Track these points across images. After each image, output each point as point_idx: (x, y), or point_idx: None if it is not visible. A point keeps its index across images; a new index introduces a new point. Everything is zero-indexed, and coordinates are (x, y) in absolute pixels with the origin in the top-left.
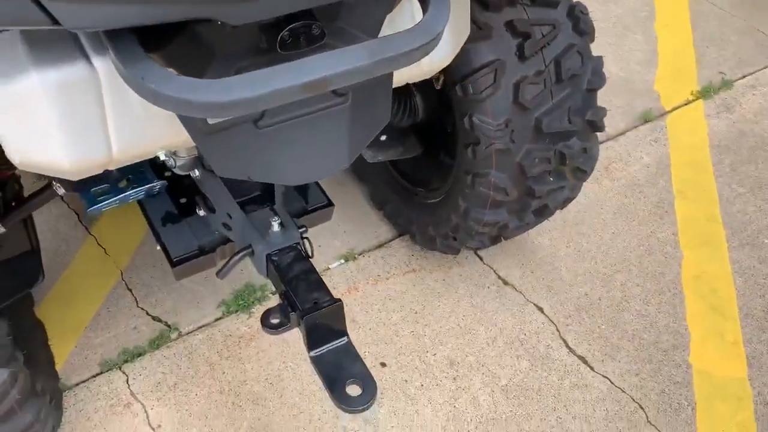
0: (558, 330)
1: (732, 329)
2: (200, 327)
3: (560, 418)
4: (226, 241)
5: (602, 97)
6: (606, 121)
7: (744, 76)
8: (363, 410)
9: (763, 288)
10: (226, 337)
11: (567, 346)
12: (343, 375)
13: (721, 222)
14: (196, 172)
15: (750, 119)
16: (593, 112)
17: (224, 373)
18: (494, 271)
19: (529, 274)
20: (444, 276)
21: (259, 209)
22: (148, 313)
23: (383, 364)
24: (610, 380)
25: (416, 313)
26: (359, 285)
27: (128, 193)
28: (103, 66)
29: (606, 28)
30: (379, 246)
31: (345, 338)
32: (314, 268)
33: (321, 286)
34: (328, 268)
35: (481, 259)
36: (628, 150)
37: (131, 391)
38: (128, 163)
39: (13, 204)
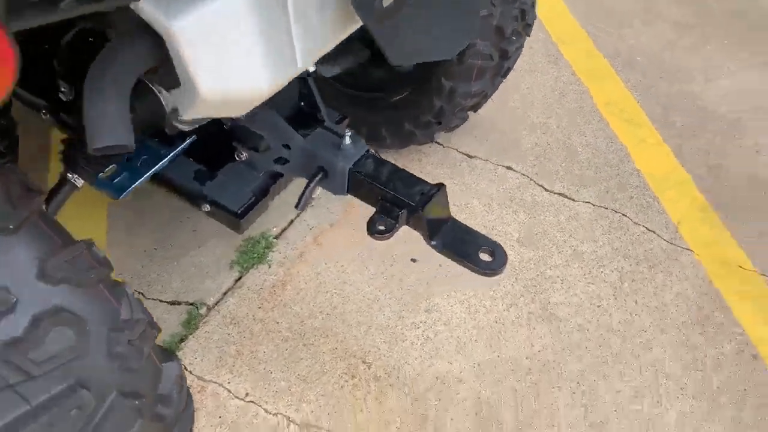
0: (532, 180)
1: (650, 134)
2: (225, 293)
3: (572, 246)
4: (275, 178)
5: None
6: None
7: None
8: (503, 270)
9: (656, 95)
10: (258, 292)
11: (545, 189)
12: (470, 248)
13: (601, 54)
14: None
15: None
16: None
17: (277, 323)
18: (457, 150)
19: (485, 143)
20: (419, 168)
21: (311, 132)
22: (161, 301)
23: (413, 260)
24: (591, 203)
25: None
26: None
27: (164, 161)
28: None
29: None
30: None
31: (452, 218)
32: (398, 166)
33: (416, 178)
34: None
35: (441, 145)
36: None
37: (196, 376)
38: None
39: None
